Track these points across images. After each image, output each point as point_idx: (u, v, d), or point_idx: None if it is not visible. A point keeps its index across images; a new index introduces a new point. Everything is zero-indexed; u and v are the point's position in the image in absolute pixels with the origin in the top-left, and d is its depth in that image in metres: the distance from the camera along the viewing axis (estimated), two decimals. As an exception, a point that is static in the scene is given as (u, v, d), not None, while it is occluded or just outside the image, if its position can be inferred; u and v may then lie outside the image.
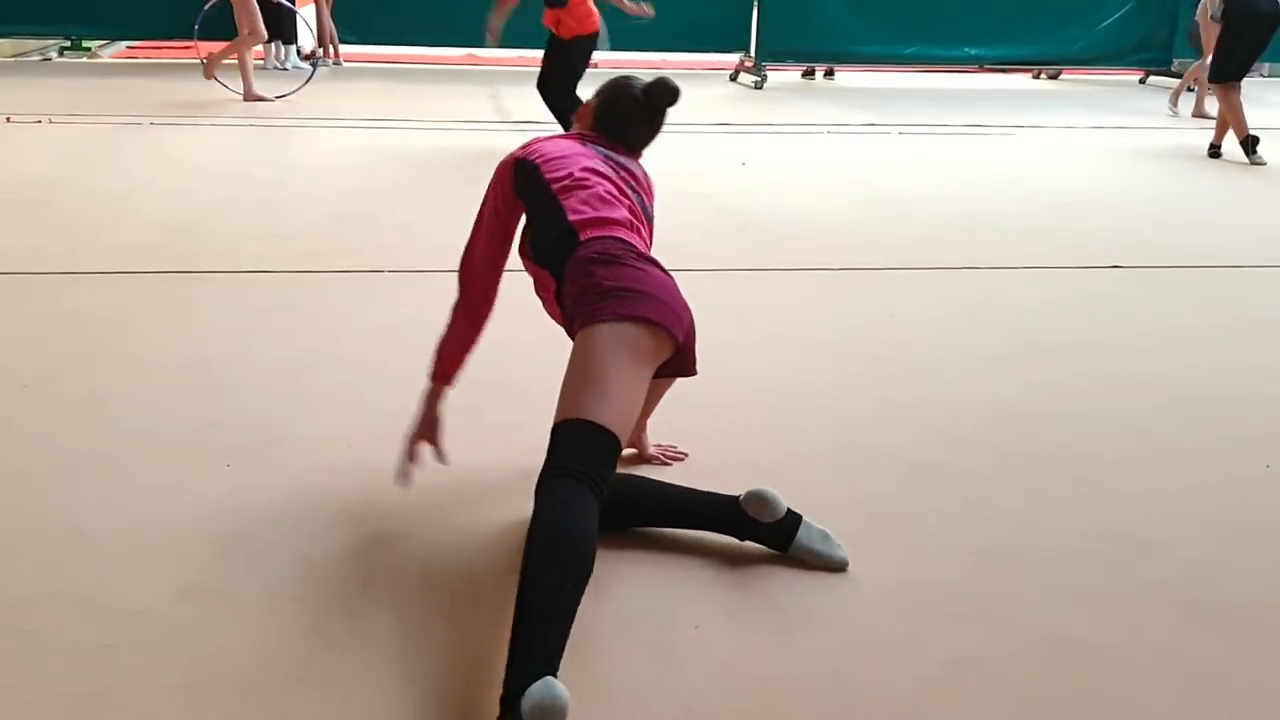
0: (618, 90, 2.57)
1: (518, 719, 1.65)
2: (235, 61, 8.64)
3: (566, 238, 2.29)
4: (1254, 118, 8.02)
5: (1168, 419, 3.09)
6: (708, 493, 2.38)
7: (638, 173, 2.54)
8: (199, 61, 8.75)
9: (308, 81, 8.68)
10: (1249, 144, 7.22)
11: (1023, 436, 2.95)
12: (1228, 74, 7.26)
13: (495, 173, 2.47)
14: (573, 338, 2.25)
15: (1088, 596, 2.20)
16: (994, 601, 2.18)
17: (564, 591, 1.84)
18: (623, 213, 2.35)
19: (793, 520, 2.28)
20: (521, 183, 2.41)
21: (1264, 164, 7.14)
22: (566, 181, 2.36)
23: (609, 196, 2.37)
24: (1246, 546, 2.42)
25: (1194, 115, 9.33)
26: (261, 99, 8.52)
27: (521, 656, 1.74)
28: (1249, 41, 7.24)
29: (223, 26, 8.71)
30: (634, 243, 2.31)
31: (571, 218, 2.30)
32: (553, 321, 2.49)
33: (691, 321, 2.29)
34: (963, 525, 2.47)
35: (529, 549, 1.90)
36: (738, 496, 2.32)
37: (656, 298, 2.21)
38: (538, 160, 2.41)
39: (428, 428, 2.46)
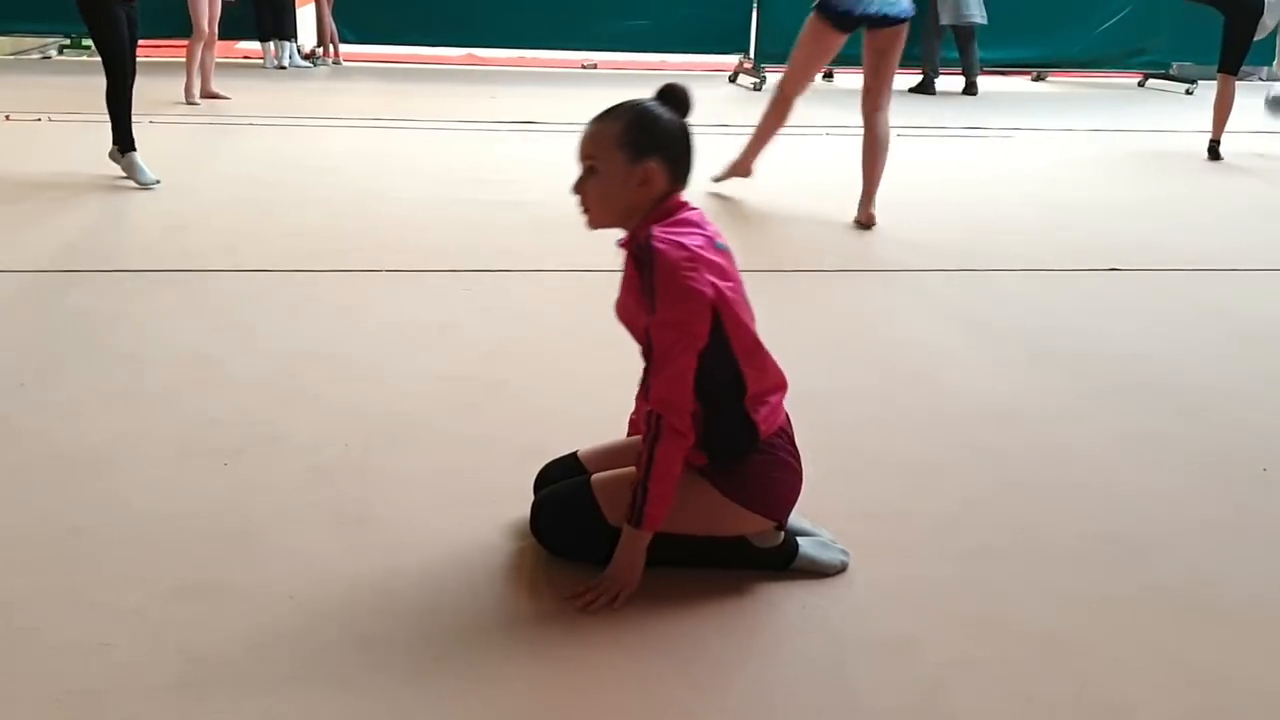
0: (667, 127, 2.10)
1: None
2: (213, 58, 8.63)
3: (746, 435, 2.16)
4: (1250, 121, 8.05)
5: (1165, 421, 3.09)
6: None
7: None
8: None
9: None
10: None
11: (1020, 438, 2.95)
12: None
13: (693, 304, 2.02)
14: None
15: (1086, 599, 2.20)
16: (992, 603, 2.18)
17: None
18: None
19: (791, 545, 2.26)
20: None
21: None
22: (748, 360, 2.14)
23: (762, 346, 2.20)
24: (1244, 549, 2.42)
25: None
26: (195, 102, 8.44)
27: None
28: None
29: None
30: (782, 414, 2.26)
31: (760, 424, 2.16)
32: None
33: None
34: (961, 527, 2.47)
35: None
36: None
37: (790, 502, 2.23)
38: (724, 315, 2.08)
39: (636, 578, 2.13)
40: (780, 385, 2.25)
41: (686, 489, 2.15)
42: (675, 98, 2.12)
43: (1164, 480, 2.74)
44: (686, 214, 2.14)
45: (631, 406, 2.41)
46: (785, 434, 2.26)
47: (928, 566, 2.30)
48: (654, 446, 2.06)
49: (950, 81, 11.14)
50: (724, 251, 2.15)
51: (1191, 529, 2.50)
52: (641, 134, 2.08)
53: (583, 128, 2.13)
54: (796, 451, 2.26)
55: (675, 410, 2.05)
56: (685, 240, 2.06)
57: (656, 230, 2.06)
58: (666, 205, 2.12)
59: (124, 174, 5.50)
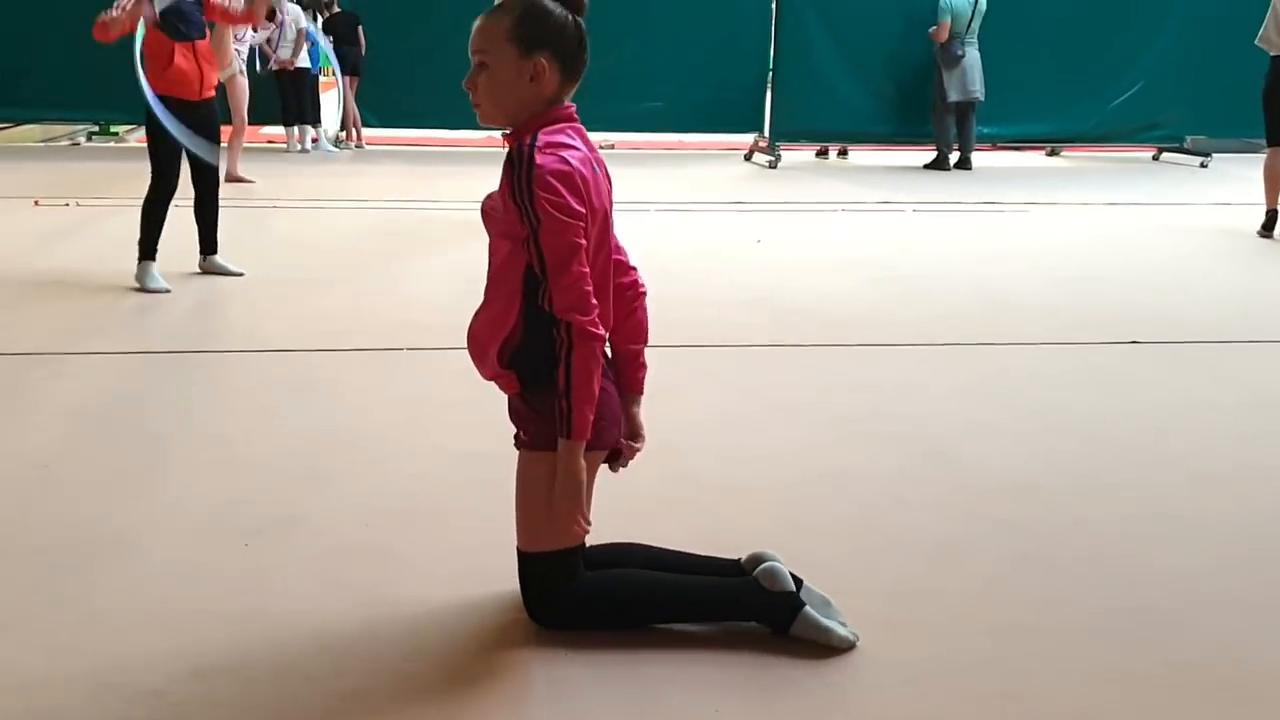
0: (558, 21, 2.07)
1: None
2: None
3: (552, 361, 2.09)
4: (1242, 192, 8.01)
5: (1188, 494, 3.07)
6: (708, 558, 2.37)
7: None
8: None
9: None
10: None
11: (1042, 512, 2.92)
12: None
13: (572, 216, 2.01)
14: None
15: (1114, 676, 2.16)
16: (1018, 681, 2.15)
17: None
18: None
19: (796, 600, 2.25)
20: None
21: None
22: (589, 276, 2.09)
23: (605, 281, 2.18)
24: (1276, 625, 2.38)
25: None
26: (243, 180, 8.63)
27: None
28: None
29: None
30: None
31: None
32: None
33: None
34: (984, 603, 2.44)
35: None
36: (737, 560, 2.32)
37: (601, 427, 2.17)
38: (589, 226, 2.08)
39: (579, 491, 2.14)
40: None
41: (526, 480, 2.20)
42: None
43: (1189, 555, 2.70)
44: (572, 125, 2.12)
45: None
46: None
47: (952, 644, 2.27)
48: (569, 356, 2.03)
49: (975, 158, 11.23)
50: (599, 175, 2.12)
51: (1218, 605, 2.46)
52: (531, 28, 2.05)
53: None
54: (606, 374, 2.17)
55: (582, 311, 2.03)
56: (567, 155, 2.03)
57: (542, 137, 2.04)
58: (556, 112, 2.10)
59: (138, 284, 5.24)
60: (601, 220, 2.12)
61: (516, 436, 2.25)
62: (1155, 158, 12.57)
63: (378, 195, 8.34)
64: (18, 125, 11.47)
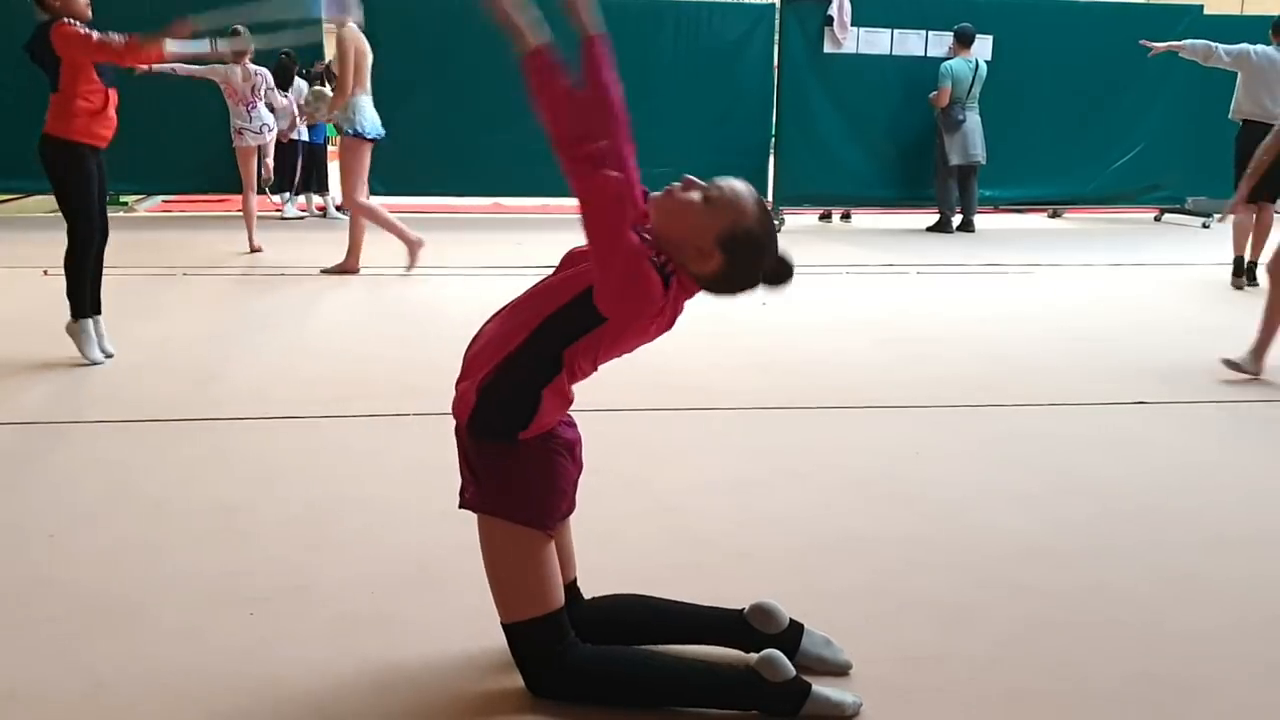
0: (753, 261, 2.23)
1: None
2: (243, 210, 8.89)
3: (519, 418, 2.19)
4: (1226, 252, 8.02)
5: (1202, 556, 3.04)
6: (710, 607, 2.41)
7: None
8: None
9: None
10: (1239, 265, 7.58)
11: (1055, 575, 2.90)
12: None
13: (649, 300, 2.16)
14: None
15: (1132, 742, 2.13)
16: (1035, 748, 2.11)
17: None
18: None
19: (796, 629, 2.32)
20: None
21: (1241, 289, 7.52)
22: (588, 362, 2.22)
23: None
24: (1294, 688, 2.35)
25: None
26: (258, 249, 8.68)
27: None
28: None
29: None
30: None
31: (540, 416, 2.19)
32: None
33: None
34: (999, 668, 2.41)
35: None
36: (740, 610, 2.36)
37: (553, 503, 2.25)
38: (628, 325, 2.20)
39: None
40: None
41: (485, 549, 2.21)
42: (780, 267, 2.27)
43: (1205, 618, 2.67)
44: None
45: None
46: (554, 435, 2.25)
47: (967, 710, 2.24)
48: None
49: (978, 220, 11.29)
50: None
51: (1236, 667, 2.43)
52: (741, 243, 2.16)
53: (730, 181, 2.20)
54: (561, 448, 2.25)
55: (610, 189, 2.10)
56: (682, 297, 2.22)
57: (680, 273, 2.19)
58: None
59: (74, 343, 5.06)
60: (641, 333, 2.22)
61: (462, 493, 2.28)
62: (1157, 219, 12.63)
63: (384, 262, 8.38)
64: (27, 196, 11.57)
